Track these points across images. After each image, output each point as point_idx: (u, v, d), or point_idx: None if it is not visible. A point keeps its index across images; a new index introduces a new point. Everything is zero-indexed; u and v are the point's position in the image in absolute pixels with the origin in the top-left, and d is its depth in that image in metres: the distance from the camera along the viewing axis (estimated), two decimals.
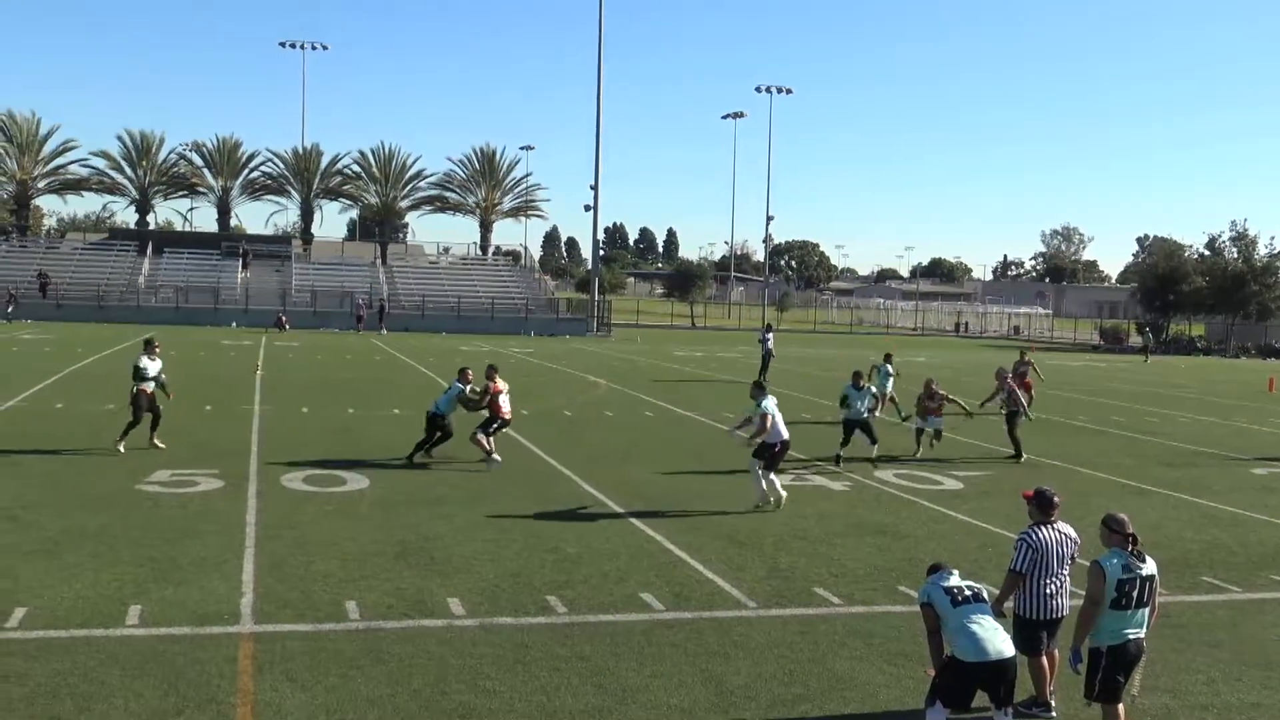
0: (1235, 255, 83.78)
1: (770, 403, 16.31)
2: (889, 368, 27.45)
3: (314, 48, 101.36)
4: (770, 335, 40.71)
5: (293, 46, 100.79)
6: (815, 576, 12.58)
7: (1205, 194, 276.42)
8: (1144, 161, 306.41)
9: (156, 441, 19.36)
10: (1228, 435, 27.73)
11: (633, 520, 15.20)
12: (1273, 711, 9.08)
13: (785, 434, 16.32)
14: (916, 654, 9.59)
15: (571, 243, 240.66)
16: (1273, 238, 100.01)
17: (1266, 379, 47.70)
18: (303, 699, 8.47)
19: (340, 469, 18.26)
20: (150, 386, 19.57)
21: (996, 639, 7.49)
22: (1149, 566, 7.84)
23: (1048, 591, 8.64)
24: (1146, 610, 7.84)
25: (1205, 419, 31.99)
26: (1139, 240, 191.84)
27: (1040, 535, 8.72)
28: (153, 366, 19.74)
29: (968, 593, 7.78)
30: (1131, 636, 7.77)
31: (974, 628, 7.50)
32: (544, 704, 8.57)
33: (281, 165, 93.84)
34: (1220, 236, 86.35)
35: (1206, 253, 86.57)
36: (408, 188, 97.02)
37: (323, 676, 8.94)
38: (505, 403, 19.50)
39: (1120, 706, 7.84)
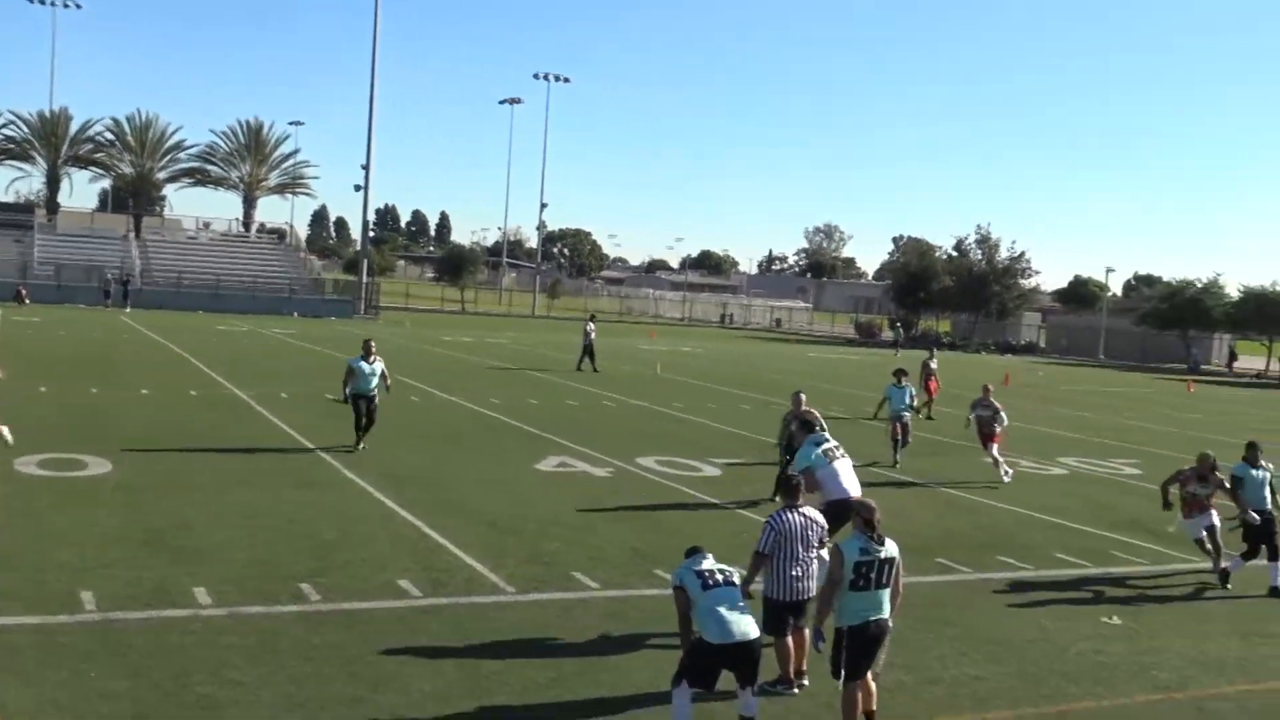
0: (980, 257, 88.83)
1: (816, 451, 11.84)
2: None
3: (65, 5, 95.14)
4: (593, 325, 40.47)
5: (41, 2, 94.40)
6: (574, 562, 12.71)
7: (954, 198, 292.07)
8: (899, 165, 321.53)
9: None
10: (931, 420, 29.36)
11: (393, 506, 15.00)
12: (994, 683, 9.74)
13: (851, 490, 11.46)
14: (670, 635, 9.81)
15: (341, 223, 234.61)
16: (1014, 242, 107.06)
17: (1004, 374, 50.85)
18: (29, 695, 8.00)
19: (81, 453, 17.29)
20: None
21: (742, 622, 7.75)
22: (888, 550, 8.20)
23: (793, 574, 9.01)
24: (887, 592, 8.20)
25: (948, 410, 33.79)
26: (894, 240, 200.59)
27: (785, 519, 9.09)
28: None
29: (719, 576, 8.02)
30: (872, 618, 8.10)
31: (721, 610, 7.74)
32: (293, 694, 8.37)
33: (25, 129, 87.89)
34: (966, 239, 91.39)
35: (954, 254, 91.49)
36: (166, 159, 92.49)
37: (53, 671, 8.46)
38: None
39: (870, 684, 8.17)
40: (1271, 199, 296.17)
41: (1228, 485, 14.00)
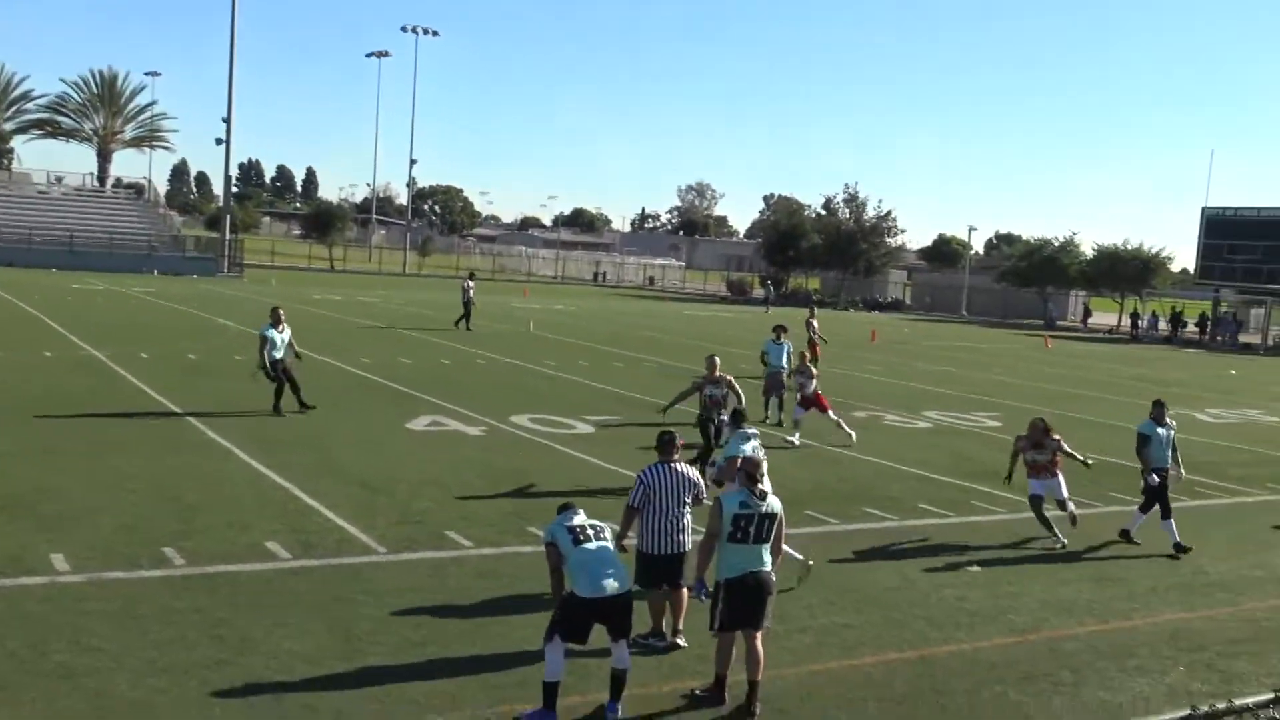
0: (848, 216, 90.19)
1: (746, 446, 11.43)
2: None
3: None
4: (472, 283, 40.03)
5: None
6: (447, 521, 12.65)
7: (823, 158, 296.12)
8: (770, 124, 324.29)
9: None
10: (834, 381, 29.90)
11: (261, 468, 14.71)
12: (860, 630, 10.01)
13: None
14: (543, 592, 9.83)
15: (202, 178, 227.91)
16: (880, 201, 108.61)
17: (869, 331, 51.92)
18: None
19: None
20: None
21: (613, 576, 7.81)
22: (770, 505, 8.32)
23: (663, 528, 9.10)
24: (766, 547, 8.30)
25: (826, 369, 34.36)
26: (765, 198, 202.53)
27: (655, 474, 9.17)
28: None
29: (590, 532, 8.05)
30: (750, 570, 8.21)
31: (592, 565, 7.79)
32: (155, 659, 8.18)
33: None
34: (835, 198, 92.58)
35: (823, 212, 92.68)
36: (12, 109, 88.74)
37: None
38: None
39: (759, 651, 8.22)
40: (1124, 161, 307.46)
41: (1064, 446, 13.95)
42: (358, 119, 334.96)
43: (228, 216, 77.88)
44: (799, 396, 20.19)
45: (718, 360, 16.72)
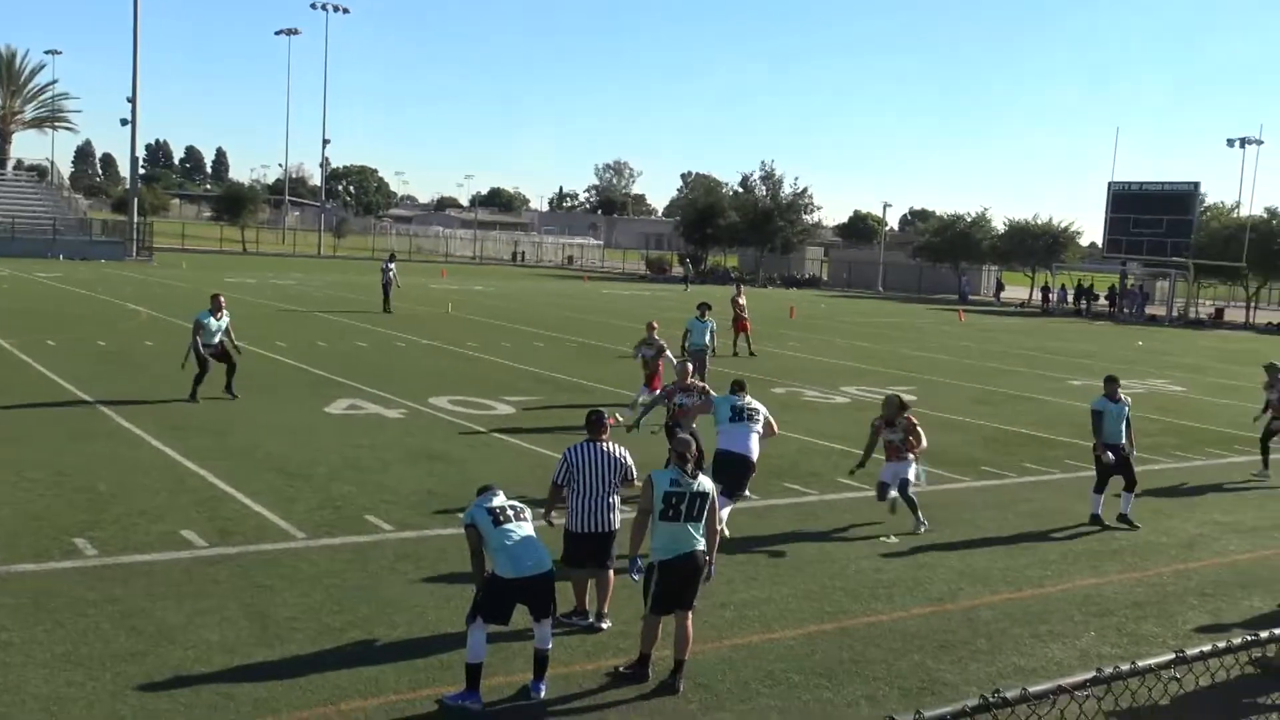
0: (764, 193, 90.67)
1: (728, 408, 12.56)
2: None
3: None
4: (393, 265, 39.58)
5: None
6: (366, 504, 12.55)
7: (740, 135, 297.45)
8: (687, 101, 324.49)
9: None
10: (755, 358, 30.14)
11: (175, 455, 14.46)
12: (779, 604, 10.13)
13: (744, 447, 12.35)
14: (464, 574, 9.81)
15: (108, 159, 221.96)
16: (796, 178, 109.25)
17: (788, 307, 52.33)
18: None
19: None
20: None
21: (534, 555, 7.81)
22: (701, 484, 8.37)
23: (590, 507, 9.10)
24: (699, 526, 8.33)
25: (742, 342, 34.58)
26: (683, 176, 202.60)
27: (581, 452, 9.16)
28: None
29: (510, 512, 8.03)
30: (683, 550, 8.25)
31: (512, 545, 7.78)
32: (70, 652, 8.02)
33: None
34: (752, 175, 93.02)
35: (740, 190, 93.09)
36: None
37: None
38: None
39: (689, 630, 8.28)
40: (1033, 138, 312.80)
41: (918, 428, 13.31)
42: (268, 98, 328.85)
43: (135, 199, 76.01)
44: (645, 369, 18.93)
45: (690, 366, 15.08)
